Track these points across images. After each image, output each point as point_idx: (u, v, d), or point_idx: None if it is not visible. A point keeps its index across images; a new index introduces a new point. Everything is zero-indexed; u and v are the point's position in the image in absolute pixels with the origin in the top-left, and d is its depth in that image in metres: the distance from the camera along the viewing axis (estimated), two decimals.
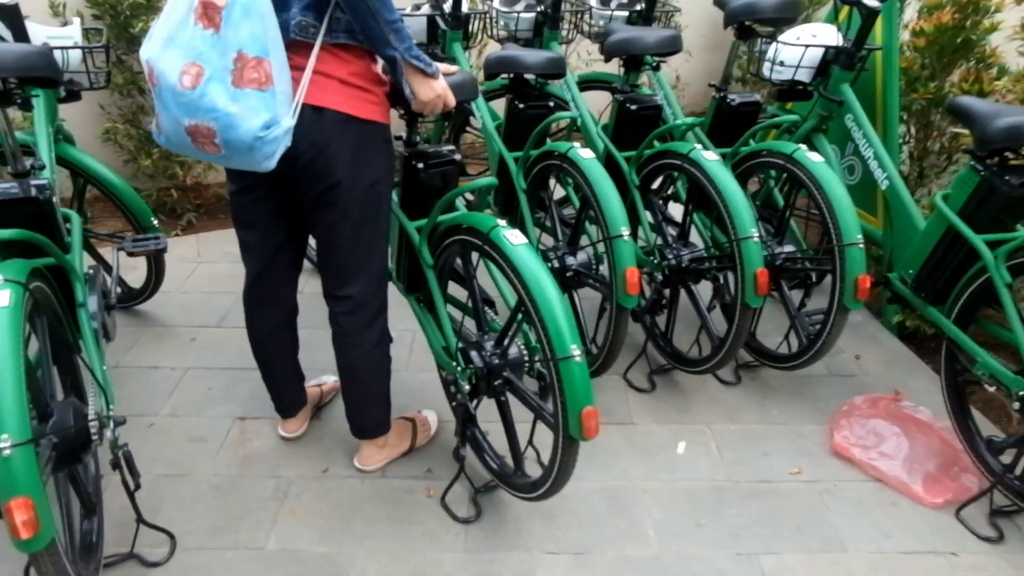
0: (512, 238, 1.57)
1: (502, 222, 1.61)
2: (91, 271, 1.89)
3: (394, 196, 1.85)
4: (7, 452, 1.16)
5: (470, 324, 1.89)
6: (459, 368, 1.74)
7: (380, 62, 1.61)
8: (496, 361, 1.71)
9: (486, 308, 1.85)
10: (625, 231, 1.92)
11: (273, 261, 1.80)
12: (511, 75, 2.42)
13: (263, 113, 1.39)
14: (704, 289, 2.38)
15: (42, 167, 1.70)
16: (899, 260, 2.24)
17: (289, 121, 1.44)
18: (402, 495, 1.92)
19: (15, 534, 1.17)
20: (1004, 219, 1.90)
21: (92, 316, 1.68)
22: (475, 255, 1.73)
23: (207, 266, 3.01)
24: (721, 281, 2.32)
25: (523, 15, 2.97)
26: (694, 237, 2.36)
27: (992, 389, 1.89)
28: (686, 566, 1.74)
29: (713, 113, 2.60)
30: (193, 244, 3.18)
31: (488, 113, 2.70)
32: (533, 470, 1.79)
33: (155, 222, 2.32)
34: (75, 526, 1.57)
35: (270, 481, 1.95)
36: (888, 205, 2.38)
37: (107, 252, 2.40)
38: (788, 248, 2.29)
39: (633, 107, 2.36)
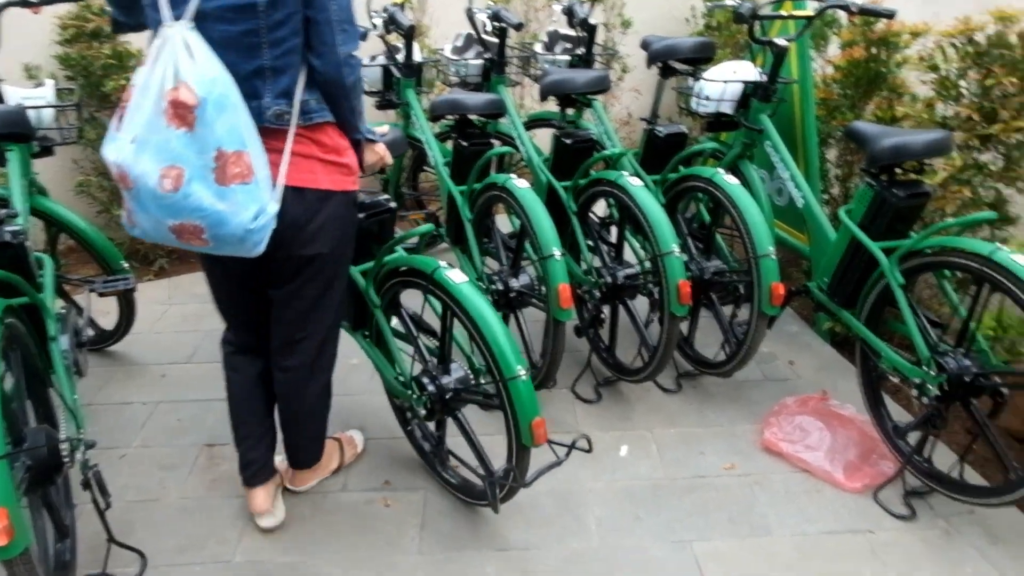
0: (454, 277, 1.73)
1: (443, 263, 1.77)
2: (63, 311, 2.03)
3: None
4: None
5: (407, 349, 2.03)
6: (415, 396, 1.89)
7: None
8: (448, 385, 1.85)
9: (424, 336, 2.00)
10: (557, 251, 2.10)
11: (252, 325, 1.83)
12: (456, 116, 2.63)
13: (251, 205, 1.41)
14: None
15: (15, 215, 1.85)
16: (816, 270, 2.44)
17: (274, 206, 1.47)
18: (362, 506, 2.04)
19: None
20: (898, 227, 2.10)
21: (64, 351, 1.81)
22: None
23: (178, 307, 3.14)
24: (656, 296, 2.50)
25: (472, 62, 3.20)
26: (633, 258, 2.56)
27: (896, 380, 2.08)
28: (625, 556, 1.88)
29: (644, 144, 2.83)
30: (165, 287, 3.32)
31: (439, 152, 2.90)
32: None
33: (124, 264, 2.47)
34: (49, 546, 1.68)
35: (236, 501, 2.06)
36: (806, 221, 2.60)
37: (80, 298, 2.53)
38: (716, 263, 2.48)
39: (568, 141, 2.57)
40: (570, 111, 2.72)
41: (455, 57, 3.24)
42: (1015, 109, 2.24)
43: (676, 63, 2.76)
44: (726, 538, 1.93)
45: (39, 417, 1.82)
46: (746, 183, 2.59)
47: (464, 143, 2.60)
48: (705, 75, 2.67)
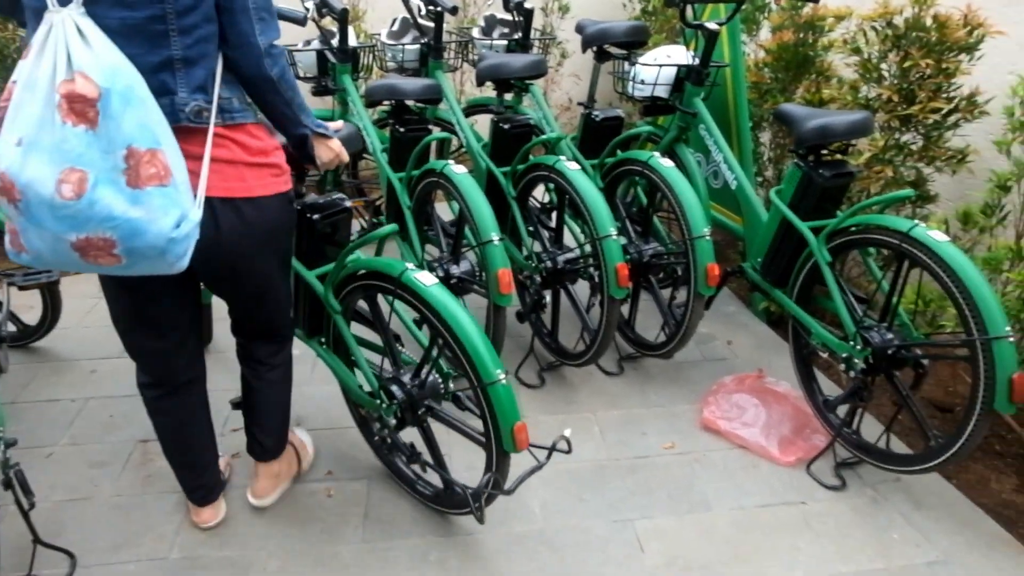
0: (423, 279, 1.65)
1: (410, 265, 1.69)
2: None
3: None
4: None
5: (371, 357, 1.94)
6: (384, 405, 1.79)
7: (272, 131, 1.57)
8: (418, 392, 1.77)
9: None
10: (495, 236, 2.10)
11: (179, 353, 1.69)
12: (393, 102, 2.59)
13: (172, 210, 1.26)
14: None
15: None
16: (750, 250, 2.51)
17: (197, 213, 1.32)
18: (304, 497, 2.02)
19: None
20: (825, 206, 2.17)
21: None
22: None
23: None
24: (596, 279, 2.52)
25: (408, 47, 3.16)
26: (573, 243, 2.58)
27: (825, 355, 2.15)
28: (569, 536, 1.90)
29: (581, 128, 2.84)
30: (93, 281, 3.17)
31: (377, 138, 2.86)
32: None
33: None
34: None
35: (173, 496, 2.01)
36: (739, 203, 2.66)
37: None
38: (654, 246, 2.52)
39: (506, 126, 2.57)
40: (508, 96, 2.71)
41: (391, 42, 3.19)
42: (931, 90, 2.33)
43: (610, 47, 2.78)
44: (667, 515, 1.98)
45: None
46: (682, 166, 2.63)
47: (401, 129, 2.57)
48: (640, 60, 2.70)
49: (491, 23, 3.27)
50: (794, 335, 2.30)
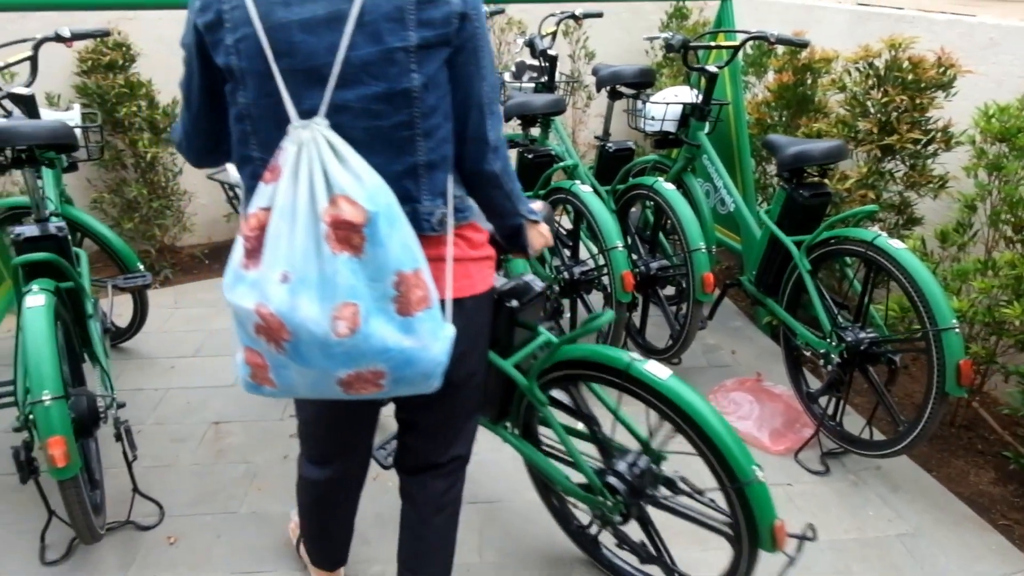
0: (656, 371, 1.50)
1: (634, 354, 1.54)
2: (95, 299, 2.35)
3: None
4: (48, 402, 1.61)
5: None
6: (608, 502, 1.62)
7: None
8: (638, 482, 1.60)
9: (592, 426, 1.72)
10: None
11: (357, 451, 1.61)
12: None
13: (439, 332, 1.17)
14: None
15: (58, 214, 2.19)
16: (747, 265, 2.80)
17: (451, 328, 1.22)
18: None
19: (54, 463, 1.60)
20: (808, 223, 2.47)
21: (99, 326, 2.13)
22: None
23: (183, 311, 3.46)
24: (607, 289, 2.84)
25: None
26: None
27: (808, 353, 2.42)
28: None
29: (597, 159, 3.20)
30: (170, 294, 3.63)
31: None
32: None
33: (140, 266, 2.80)
34: (84, 491, 1.98)
35: (241, 466, 2.37)
36: (738, 223, 2.97)
37: (102, 294, 2.85)
38: (660, 261, 2.84)
39: (530, 156, 2.94)
40: (533, 130, 3.09)
41: None
42: (908, 123, 2.62)
43: (622, 87, 3.15)
44: None
45: (74, 385, 2.13)
46: (688, 193, 2.96)
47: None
48: (652, 98, 3.05)
49: (521, 68, 3.67)
50: (784, 338, 2.58)
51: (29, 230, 1.97)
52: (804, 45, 2.74)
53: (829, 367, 2.28)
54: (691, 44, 2.86)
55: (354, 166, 1.10)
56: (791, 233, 2.46)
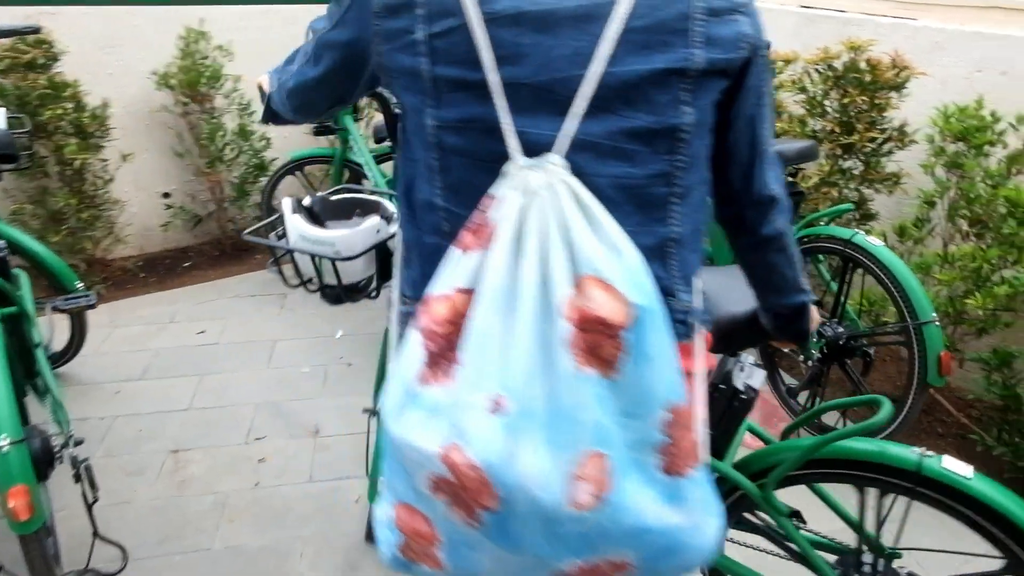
0: (961, 471, 1.19)
1: (923, 449, 1.21)
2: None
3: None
4: (6, 448, 1.42)
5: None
6: None
7: None
8: None
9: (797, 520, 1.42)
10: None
11: None
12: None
13: (712, 504, 0.84)
14: None
15: None
16: (719, 264, 2.82)
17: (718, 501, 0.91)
18: (328, 493, 2.22)
19: (15, 516, 1.42)
20: None
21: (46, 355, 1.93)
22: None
23: (121, 330, 3.21)
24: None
25: None
26: None
27: (786, 350, 2.45)
28: None
29: None
30: (105, 312, 3.36)
31: (379, 175, 3.13)
32: None
33: (79, 284, 2.56)
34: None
35: (207, 498, 2.20)
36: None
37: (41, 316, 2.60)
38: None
39: None
40: None
41: None
42: (867, 123, 2.69)
43: None
44: None
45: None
46: None
47: None
48: None
49: None
50: None
51: None
52: None
53: (810, 363, 2.31)
54: None
55: (609, 233, 0.75)
56: None
